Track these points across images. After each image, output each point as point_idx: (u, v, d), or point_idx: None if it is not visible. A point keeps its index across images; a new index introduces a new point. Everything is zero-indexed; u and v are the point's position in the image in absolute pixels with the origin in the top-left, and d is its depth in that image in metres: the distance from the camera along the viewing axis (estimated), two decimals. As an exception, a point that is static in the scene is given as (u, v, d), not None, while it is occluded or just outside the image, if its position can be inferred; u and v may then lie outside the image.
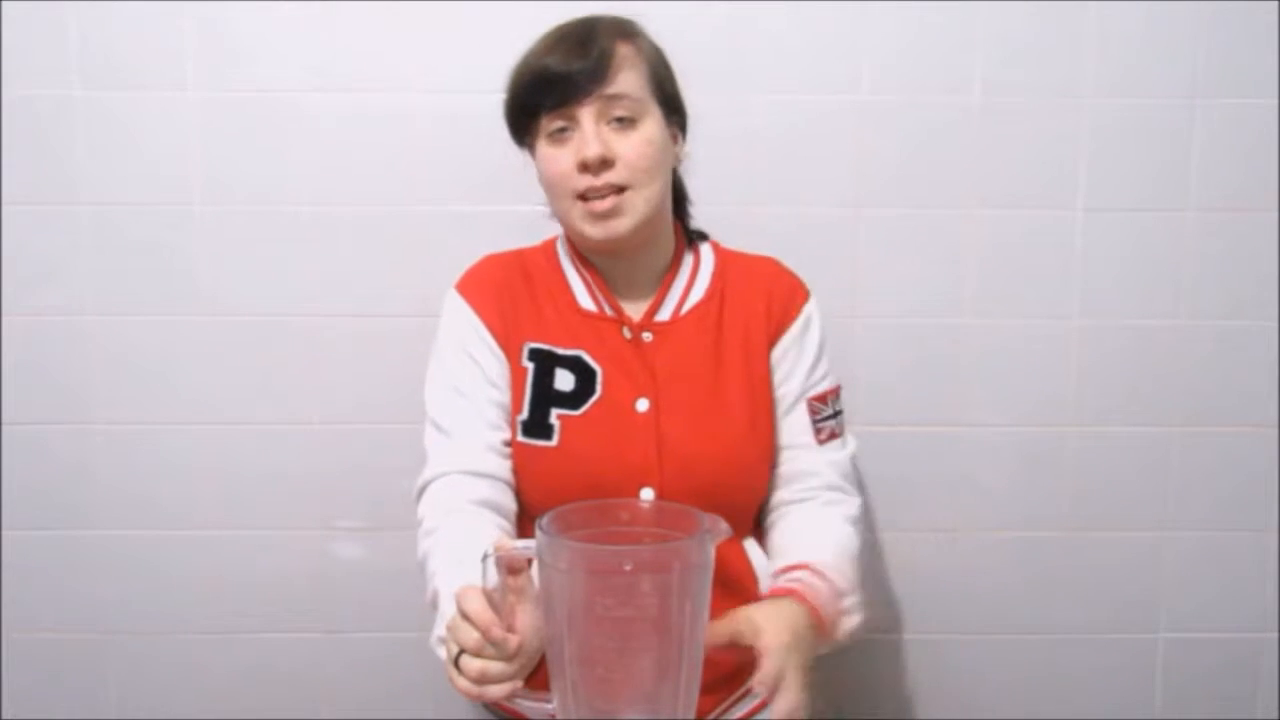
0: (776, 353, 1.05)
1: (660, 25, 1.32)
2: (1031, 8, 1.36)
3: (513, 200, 1.35)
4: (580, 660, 0.69)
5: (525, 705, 0.76)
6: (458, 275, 1.08)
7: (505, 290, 1.05)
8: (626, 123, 0.97)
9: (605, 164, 0.96)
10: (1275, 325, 1.41)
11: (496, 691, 0.73)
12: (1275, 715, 1.47)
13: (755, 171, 1.38)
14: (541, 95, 0.97)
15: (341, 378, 1.40)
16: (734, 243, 1.13)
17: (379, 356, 1.39)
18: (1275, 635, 1.46)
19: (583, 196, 0.98)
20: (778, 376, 1.05)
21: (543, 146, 1.00)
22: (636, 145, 0.97)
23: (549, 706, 0.73)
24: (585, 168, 0.96)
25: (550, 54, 0.97)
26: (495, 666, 0.72)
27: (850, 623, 0.94)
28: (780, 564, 0.97)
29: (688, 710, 0.71)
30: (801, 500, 1.04)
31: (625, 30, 1.00)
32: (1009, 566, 1.45)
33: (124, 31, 1.34)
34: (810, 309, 1.08)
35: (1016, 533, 1.45)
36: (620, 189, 0.97)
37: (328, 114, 1.36)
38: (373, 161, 1.37)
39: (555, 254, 1.09)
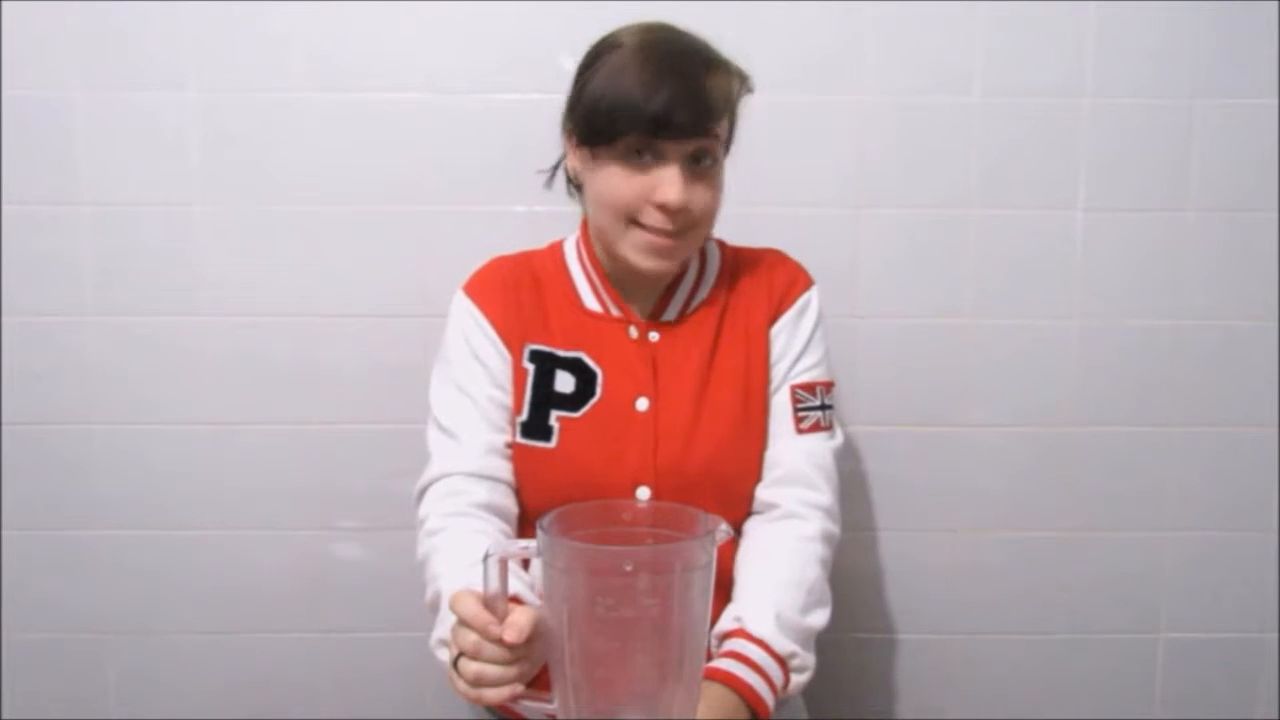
0: (773, 331, 1.05)
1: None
2: (1031, 8, 1.36)
3: (513, 200, 1.35)
4: (581, 660, 0.69)
5: (526, 705, 0.76)
6: (459, 275, 1.08)
7: (511, 291, 1.05)
8: (705, 167, 0.96)
9: (680, 210, 0.95)
10: (1275, 325, 1.41)
11: (493, 695, 0.73)
12: (1275, 715, 1.47)
13: (755, 171, 1.37)
14: (634, 127, 0.92)
15: (341, 377, 1.40)
16: (735, 242, 1.13)
17: (379, 356, 1.39)
18: (1275, 635, 1.46)
19: (640, 224, 0.96)
20: (772, 357, 1.05)
21: (613, 164, 0.95)
22: (707, 198, 0.97)
23: (549, 706, 0.73)
24: (662, 209, 0.95)
25: (656, 91, 0.91)
26: (492, 670, 0.72)
27: (798, 680, 0.91)
28: (722, 624, 0.93)
29: (688, 711, 0.71)
30: (769, 508, 1.02)
31: (727, 69, 0.98)
32: (1009, 566, 1.45)
33: (124, 31, 1.34)
34: (810, 296, 1.08)
35: (1017, 533, 1.45)
36: (682, 231, 0.97)
37: (328, 114, 1.36)
38: (372, 161, 1.37)
39: (562, 255, 1.09)
